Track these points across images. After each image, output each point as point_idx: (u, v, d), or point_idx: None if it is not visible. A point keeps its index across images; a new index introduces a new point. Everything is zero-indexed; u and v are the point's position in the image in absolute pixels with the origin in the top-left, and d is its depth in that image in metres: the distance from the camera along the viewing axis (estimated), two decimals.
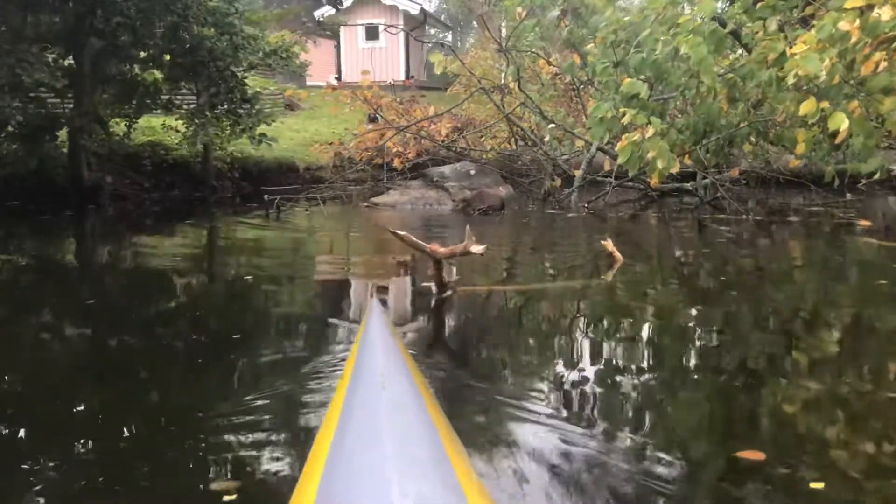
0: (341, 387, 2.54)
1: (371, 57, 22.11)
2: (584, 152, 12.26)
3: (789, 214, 10.15)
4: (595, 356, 4.17)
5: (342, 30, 23.87)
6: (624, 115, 8.65)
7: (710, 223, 9.42)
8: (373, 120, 14.75)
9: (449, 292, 5.12)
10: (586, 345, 4.47)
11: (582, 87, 11.94)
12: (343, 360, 3.57)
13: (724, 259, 7.58)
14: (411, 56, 23.60)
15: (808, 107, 7.65)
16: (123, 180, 14.17)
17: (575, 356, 4.21)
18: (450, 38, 35.42)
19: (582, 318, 5.19)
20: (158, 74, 12.93)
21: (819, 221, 9.93)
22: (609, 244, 6.52)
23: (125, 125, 14.04)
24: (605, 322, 5.06)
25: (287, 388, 3.57)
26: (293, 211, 11.45)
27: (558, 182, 11.79)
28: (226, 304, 6.04)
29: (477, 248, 4.65)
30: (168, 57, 12.03)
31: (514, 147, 13.66)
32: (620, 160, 8.70)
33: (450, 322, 4.91)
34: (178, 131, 13.19)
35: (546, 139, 12.11)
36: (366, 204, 12.07)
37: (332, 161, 15.18)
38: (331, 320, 4.93)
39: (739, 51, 10.66)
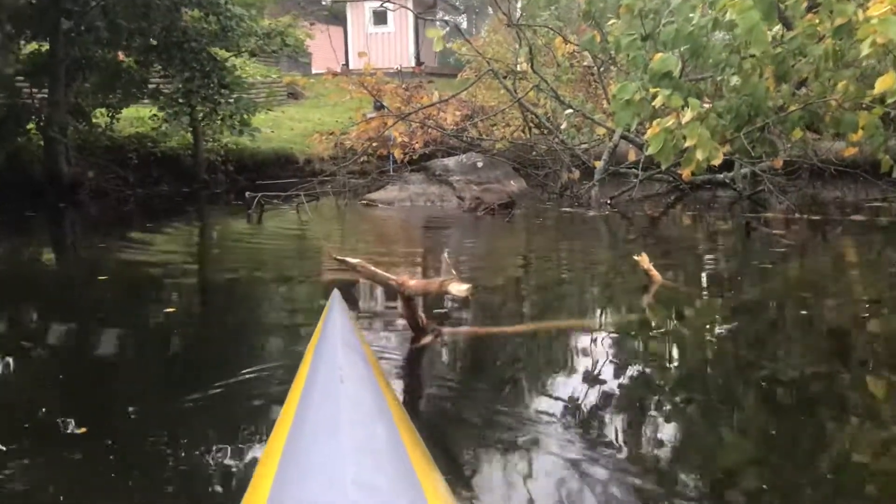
0: (300, 379, 2.45)
1: (379, 42, 20.60)
2: (605, 141, 10.67)
3: (849, 212, 8.50)
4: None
5: (349, 14, 22.33)
6: (655, 96, 7.15)
7: (759, 225, 7.80)
8: (379, 108, 13.22)
9: (428, 338, 3.60)
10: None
11: (602, 67, 10.30)
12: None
13: (793, 282, 5.69)
14: (421, 41, 21.98)
15: (887, 82, 6.09)
16: (107, 175, 12.79)
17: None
18: (465, 24, 33.81)
19: (620, 395, 3.31)
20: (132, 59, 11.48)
21: (894, 221, 8.29)
22: (644, 260, 5.01)
23: (108, 116, 12.64)
24: (647, 405, 3.21)
25: (247, 380, 3.42)
26: (278, 210, 9.94)
27: (576, 174, 10.23)
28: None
29: (458, 288, 3.11)
30: (139, 38, 10.49)
31: (527, 136, 12.06)
32: (651, 150, 7.14)
33: (426, 404, 3.25)
34: (156, 120, 11.69)
35: (563, 126, 10.52)
36: (362, 201, 10.53)
37: (333, 152, 13.78)
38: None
39: (777, 26, 8.95)
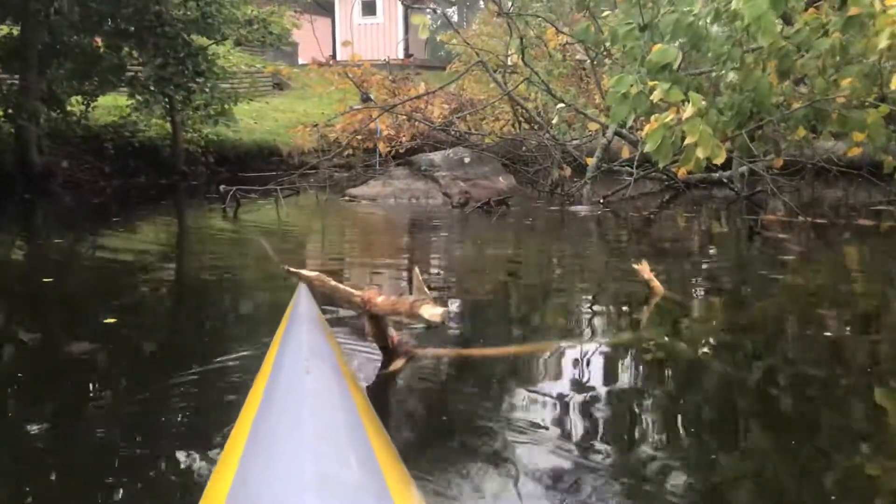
0: (264, 371, 2.39)
1: (368, 33, 20.03)
2: (598, 137, 10.17)
3: (854, 215, 8.00)
4: None
5: (337, 4, 21.72)
6: (652, 90, 6.68)
7: (762, 228, 7.26)
8: (366, 100, 12.69)
9: (400, 362, 3.05)
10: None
11: (596, 60, 9.78)
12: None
13: (809, 297, 4.95)
14: (410, 33, 21.40)
15: None
16: (81, 165, 12.20)
17: None
18: (455, 17, 33.22)
19: (612, 423, 2.86)
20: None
21: None
22: (645, 269, 4.50)
23: (83, 104, 12.05)
24: (642, 431, 2.80)
25: (212, 370, 3.26)
26: (256, 205, 9.39)
27: (568, 172, 9.72)
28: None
29: (430, 312, 2.56)
30: (109, 22, 9.89)
31: (517, 131, 11.54)
32: (648, 147, 6.69)
33: (402, 416, 2.84)
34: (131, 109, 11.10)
35: (554, 122, 10.00)
36: (344, 196, 9.99)
37: (317, 145, 13.24)
38: None
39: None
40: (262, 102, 16.24)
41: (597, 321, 4.26)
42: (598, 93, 12.92)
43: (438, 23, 32.31)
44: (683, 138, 6.57)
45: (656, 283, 4.42)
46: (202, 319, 4.61)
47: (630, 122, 6.92)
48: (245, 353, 3.36)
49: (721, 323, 4.33)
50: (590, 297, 4.86)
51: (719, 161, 6.41)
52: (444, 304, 3.25)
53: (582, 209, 8.80)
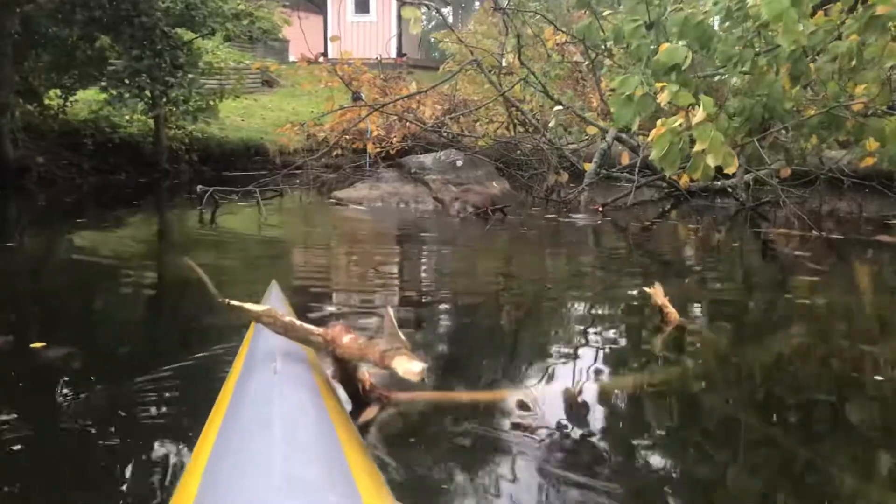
0: (234, 371, 2.36)
1: (360, 32, 19.45)
2: (596, 141, 9.64)
3: (871, 230, 7.45)
4: None
5: (329, 1, 21.11)
6: (659, 92, 6.16)
7: (775, 243, 6.68)
8: (357, 99, 12.12)
9: (373, 411, 2.48)
10: None
11: (597, 60, 9.23)
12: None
13: (847, 328, 4.31)
14: (404, 32, 20.83)
15: None
16: (59, 161, 11.60)
17: None
18: (450, 18, 32.61)
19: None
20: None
21: None
22: (658, 294, 3.93)
23: (61, 97, 11.46)
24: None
25: (183, 372, 3.08)
26: (237, 207, 8.79)
27: (565, 177, 9.16)
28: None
29: (406, 368, 1.96)
30: (81, 10, 9.28)
31: (511, 134, 10.98)
32: (654, 155, 6.14)
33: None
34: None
35: (551, 124, 9.45)
36: (330, 199, 9.41)
37: (306, 144, 12.70)
38: None
39: None
40: (250, 100, 15.66)
41: (603, 354, 3.65)
42: (595, 96, 12.42)
43: (433, 23, 31.76)
44: (691, 144, 6.07)
45: (671, 310, 3.86)
46: (171, 321, 4.44)
47: (635, 126, 6.34)
48: (219, 351, 3.26)
49: (751, 361, 3.66)
50: (595, 325, 4.24)
51: (731, 170, 5.88)
52: (423, 351, 2.72)
53: (580, 218, 8.24)
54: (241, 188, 8.78)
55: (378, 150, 11.00)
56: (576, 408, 2.84)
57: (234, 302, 2.29)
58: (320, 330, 2.32)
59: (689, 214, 8.81)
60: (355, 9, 21.08)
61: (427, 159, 9.41)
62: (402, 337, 2.13)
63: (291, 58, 19.37)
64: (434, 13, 26.55)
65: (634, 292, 4.66)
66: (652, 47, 6.51)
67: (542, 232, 7.74)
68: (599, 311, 4.61)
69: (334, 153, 11.55)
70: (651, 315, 4.07)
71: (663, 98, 5.98)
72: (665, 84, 6.06)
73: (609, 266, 6.23)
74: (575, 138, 10.64)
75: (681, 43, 6.43)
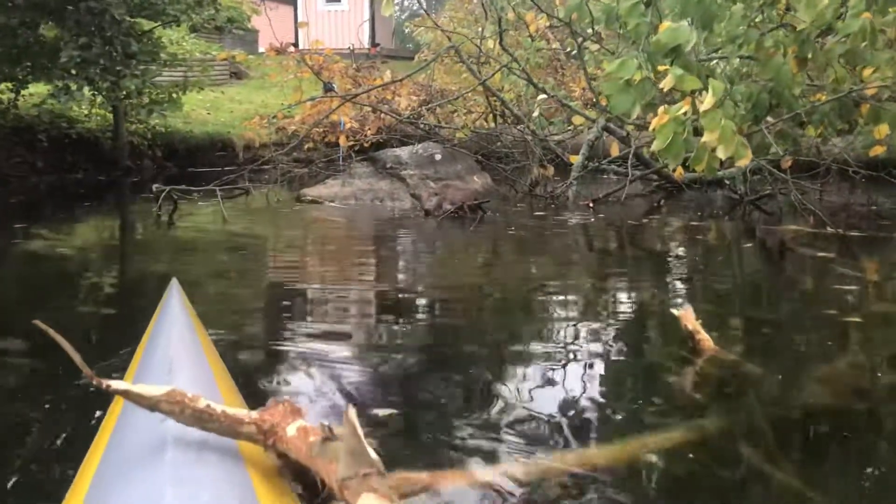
0: (130, 371, 2.32)
1: (332, 21, 18.61)
2: (583, 132, 8.95)
3: (887, 225, 6.81)
4: None
5: None
6: (659, 76, 5.49)
7: (791, 241, 5.95)
8: (329, 90, 11.34)
9: None
10: None
11: (583, 44, 8.50)
12: None
13: None
14: (377, 21, 20.01)
15: None
16: (10, 159, 10.72)
17: None
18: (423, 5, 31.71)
19: None
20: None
21: None
22: (688, 317, 3.23)
23: (12, 91, 10.57)
24: None
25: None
26: (196, 207, 8.01)
27: (550, 171, 8.45)
28: None
29: None
30: None
31: (492, 125, 10.24)
32: (656, 146, 5.41)
33: None
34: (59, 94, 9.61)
35: (535, 114, 8.73)
36: (300, 198, 8.63)
37: (276, 138, 11.90)
38: None
39: None
40: (217, 92, 14.82)
41: (623, 398, 2.93)
42: (577, 84, 11.72)
43: (406, 14, 30.92)
44: (695, 134, 5.40)
45: (704, 337, 3.17)
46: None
47: (634, 115, 5.65)
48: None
49: (813, 410, 2.88)
50: (612, 357, 3.48)
51: (743, 162, 5.21)
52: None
53: (571, 215, 7.54)
54: (203, 187, 7.99)
55: (351, 143, 10.24)
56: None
57: (116, 384, 1.55)
58: (254, 415, 1.59)
59: (685, 209, 8.13)
60: None
61: (403, 153, 8.68)
62: (371, 454, 1.41)
63: (261, 49, 18.49)
64: (407, 2, 25.76)
65: (649, 306, 3.96)
66: (650, 27, 5.82)
67: (532, 233, 7.00)
68: (615, 337, 3.77)
69: (305, 147, 10.79)
70: (674, 337, 3.37)
71: (667, 83, 5.29)
72: (669, 67, 5.37)
73: (618, 278, 5.41)
74: (557, 129, 9.94)
75: (683, 22, 5.77)
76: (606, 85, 5.51)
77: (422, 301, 4.68)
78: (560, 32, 11.58)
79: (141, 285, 5.21)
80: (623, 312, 4.42)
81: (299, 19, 19.66)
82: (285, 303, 4.62)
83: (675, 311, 3.31)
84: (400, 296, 4.78)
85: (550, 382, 3.08)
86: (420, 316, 4.34)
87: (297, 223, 7.82)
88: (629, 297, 4.76)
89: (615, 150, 8.33)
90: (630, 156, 7.76)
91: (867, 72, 6.50)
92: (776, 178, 7.08)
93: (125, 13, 9.09)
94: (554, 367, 3.25)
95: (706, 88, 5.08)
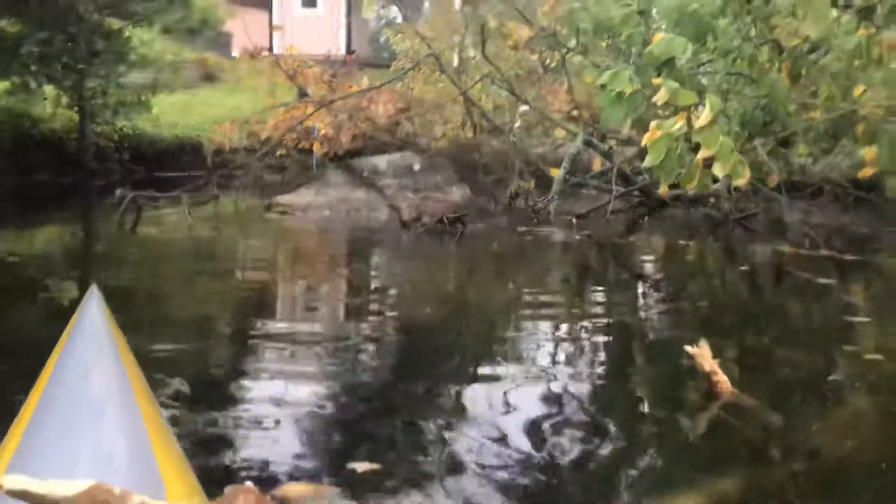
0: (43, 377, 2.11)
1: (307, 27, 18.18)
2: (564, 145, 8.65)
3: (880, 248, 6.57)
4: None
5: None
6: (652, 89, 5.22)
7: (786, 264, 5.59)
8: (303, 95, 10.97)
9: None
10: None
11: (568, 56, 8.19)
12: None
13: None
14: (354, 28, 19.61)
15: None
16: None
17: None
18: (399, 19, 31.39)
19: None
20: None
21: None
22: (703, 354, 2.91)
23: None
24: None
25: None
26: (163, 214, 7.58)
27: (531, 184, 8.13)
28: None
29: None
30: None
31: (472, 136, 9.89)
32: (648, 162, 5.12)
33: None
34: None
35: (517, 125, 8.41)
36: (272, 206, 8.22)
37: (248, 143, 11.46)
38: None
39: None
40: (188, 95, 14.34)
41: (630, 460, 2.54)
42: (554, 97, 11.45)
43: (382, 22, 30.53)
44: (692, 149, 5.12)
45: (722, 379, 2.83)
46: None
47: (626, 128, 5.35)
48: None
49: (846, 462, 2.53)
50: (613, 401, 3.08)
51: (742, 181, 4.93)
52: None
53: (554, 231, 7.22)
54: (169, 193, 7.56)
55: (325, 150, 9.84)
56: None
57: (12, 483, 1.17)
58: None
59: (668, 226, 7.85)
60: (302, 2, 19.75)
61: (381, 162, 8.32)
62: None
63: (235, 53, 18.04)
64: (383, 11, 25.39)
65: (659, 343, 3.58)
66: (644, 37, 5.55)
67: (517, 249, 6.63)
68: (619, 380, 3.39)
69: (277, 153, 10.37)
70: (686, 377, 3.02)
71: (661, 97, 5.00)
72: (663, 81, 5.09)
73: (614, 305, 4.98)
74: (537, 141, 9.64)
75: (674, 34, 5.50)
76: (600, 96, 5.21)
77: (396, 328, 4.28)
78: (540, 44, 11.31)
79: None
80: (625, 347, 4.01)
81: (274, 23, 19.23)
82: (242, 323, 4.26)
83: (688, 349, 2.97)
84: (374, 319, 4.40)
85: (540, 435, 2.70)
86: (393, 345, 3.93)
87: (267, 233, 7.44)
88: (629, 329, 4.33)
89: (598, 165, 8.04)
90: (614, 171, 7.46)
91: (858, 90, 6.29)
92: (768, 197, 6.82)
93: (93, 10, 8.64)
94: (544, 414, 2.89)
95: (701, 103, 4.81)
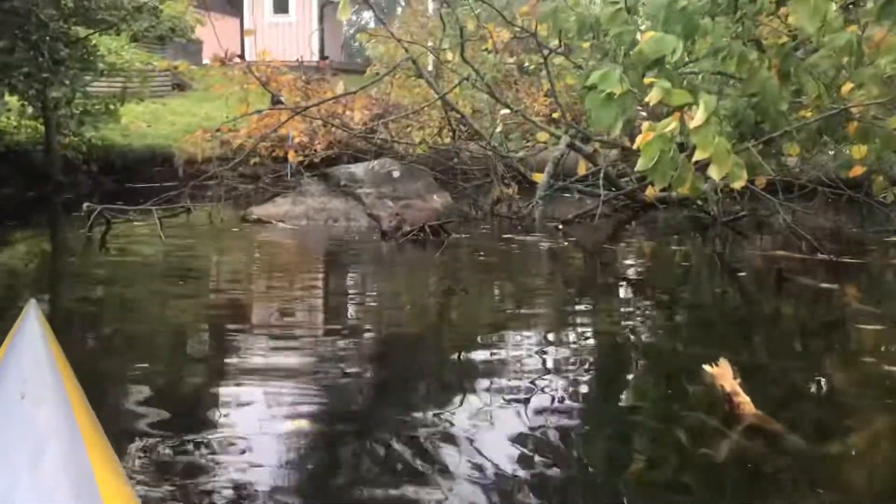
0: None
1: (280, 33, 17.86)
2: (545, 149, 8.43)
3: (873, 250, 6.38)
4: None
5: (245, 1, 19.41)
6: (645, 90, 5.02)
7: (783, 268, 5.33)
8: (277, 103, 10.64)
9: None
10: None
11: (549, 58, 7.94)
12: None
13: None
14: (327, 33, 19.29)
15: None
16: None
17: None
18: (371, 24, 31.11)
19: None
20: None
21: None
22: (724, 374, 2.67)
23: None
24: None
25: None
26: (132, 227, 7.23)
27: (513, 189, 7.89)
28: None
29: None
30: None
31: (450, 141, 9.62)
32: (641, 165, 4.87)
33: None
34: None
35: (498, 130, 8.16)
36: (247, 217, 7.89)
37: (221, 152, 11.12)
38: None
39: None
40: (158, 104, 13.97)
41: (648, 491, 2.31)
42: (532, 100, 11.24)
43: (354, 28, 30.24)
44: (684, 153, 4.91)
45: (744, 400, 2.59)
46: None
47: (616, 131, 5.11)
48: None
49: (881, 493, 2.34)
50: (624, 427, 2.82)
51: (739, 184, 4.72)
52: None
53: (540, 238, 6.97)
54: (139, 206, 7.23)
55: (300, 158, 9.54)
56: None
57: None
58: None
59: (656, 230, 7.64)
60: (274, 8, 19.39)
61: (358, 170, 8.03)
62: None
63: (205, 60, 17.65)
64: (355, 17, 25.12)
65: (670, 360, 3.32)
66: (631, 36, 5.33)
67: (504, 258, 6.35)
68: (630, 403, 3.15)
69: (251, 162, 10.05)
70: (702, 398, 2.77)
71: (653, 97, 4.78)
72: (655, 80, 4.86)
73: (618, 318, 4.70)
74: (515, 145, 9.40)
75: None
76: (588, 99, 4.96)
77: (378, 348, 4.00)
78: (518, 46, 11.08)
79: (56, 317, 4.48)
80: (634, 365, 3.75)
81: (246, 28, 18.86)
82: (213, 343, 3.97)
83: (707, 368, 2.72)
84: (354, 341, 4.10)
85: (552, 458, 2.46)
86: (372, 369, 3.64)
87: (242, 246, 7.12)
88: (638, 345, 4.05)
89: (583, 168, 7.81)
90: (601, 175, 7.23)
91: (846, 88, 6.12)
92: (754, 199, 6.63)
93: (57, 17, 8.28)
94: (554, 440, 2.64)
95: (701, 103, 4.59)
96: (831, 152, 7.39)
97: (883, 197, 6.95)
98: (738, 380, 2.68)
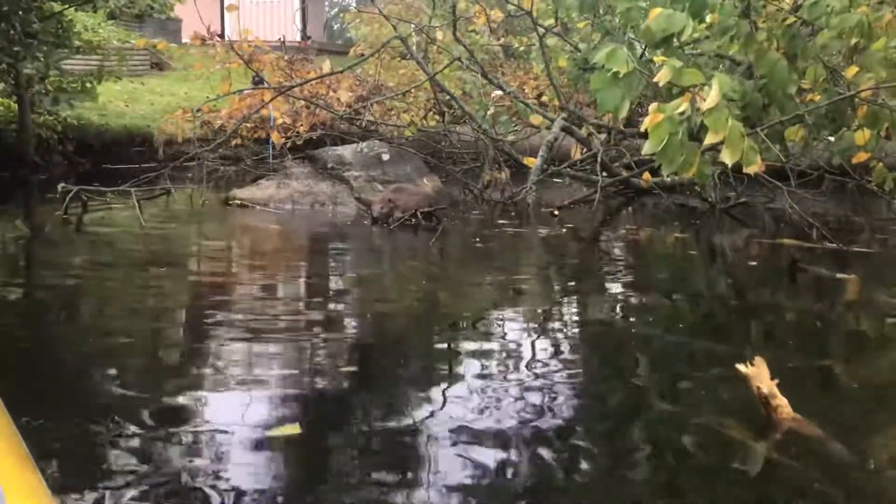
0: None
1: (261, 13, 17.38)
2: (537, 133, 8.14)
3: (881, 237, 6.15)
4: None
5: None
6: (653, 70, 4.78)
7: (798, 261, 5.05)
8: (258, 83, 10.24)
9: None
10: None
11: (545, 36, 7.61)
12: None
13: None
14: (309, 13, 18.83)
15: None
16: None
17: None
18: (353, 3, 30.54)
19: None
20: None
21: None
22: (761, 375, 2.40)
23: None
24: None
25: None
26: (108, 208, 6.87)
27: (506, 174, 7.58)
28: None
29: None
30: None
31: (438, 123, 9.29)
32: (648, 149, 4.62)
33: None
34: None
35: (490, 112, 7.85)
36: (230, 200, 7.54)
37: (201, 133, 10.72)
38: None
39: None
40: (136, 83, 13.51)
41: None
42: (517, 82, 10.94)
43: (336, 9, 29.71)
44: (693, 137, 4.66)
45: (782, 403, 2.33)
46: None
47: (623, 113, 4.82)
48: None
49: None
50: (650, 430, 2.53)
51: (753, 169, 4.44)
52: None
53: (537, 224, 6.68)
54: (117, 187, 6.87)
55: (284, 139, 9.17)
56: None
57: None
58: None
59: (653, 217, 7.38)
60: None
61: (346, 152, 7.70)
62: None
63: (185, 39, 17.14)
64: None
65: (697, 359, 3.05)
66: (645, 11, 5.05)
67: (503, 245, 6.03)
68: (656, 405, 2.84)
69: (233, 143, 9.68)
70: (736, 400, 2.51)
71: (663, 76, 4.50)
72: (665, 59, 4.59)
73: (635, 312, 4.41)
74: (505, 128, 9.09)
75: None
76: (595, 79, 4.67)
77: (365, 349, 3.67)
78: (503, 28, 10.77)
79: (22, 305, 4.16)
80: (662, 363, 3.45)
81: (226, 10, 18.32)
82: (191, 337, 3.68)
83: (741, 368, 2.45)
84: (343, 344, 3.78)
85: (552, 458, 2.21)
86: (359, 372, 3.32)
87: (223, 231, 6.76)
88: (660, 342, 3.73)
89: (577, 153, 7.54)
90: (599, 158, 6.96)
91: (851, 71, 5.88)
92: (750, 185, 6.39)
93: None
94: (554, 440, 2.39)
95: (715, 82, 4.31)
96: (831, 138, 7.14)
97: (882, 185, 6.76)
98: (776, 381, 2.41)
